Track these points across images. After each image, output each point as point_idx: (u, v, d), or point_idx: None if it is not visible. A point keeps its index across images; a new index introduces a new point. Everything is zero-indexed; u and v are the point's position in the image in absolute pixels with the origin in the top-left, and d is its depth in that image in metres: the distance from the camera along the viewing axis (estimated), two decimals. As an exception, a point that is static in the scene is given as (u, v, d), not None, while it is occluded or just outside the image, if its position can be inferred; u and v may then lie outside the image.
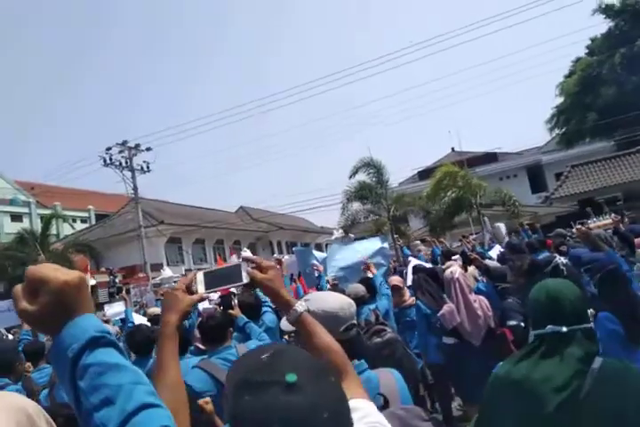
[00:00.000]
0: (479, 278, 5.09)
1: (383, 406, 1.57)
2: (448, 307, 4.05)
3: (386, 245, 8.09)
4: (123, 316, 6.62)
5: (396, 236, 13.74)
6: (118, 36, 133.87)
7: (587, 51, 27.57)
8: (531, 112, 74.23)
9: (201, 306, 5.36)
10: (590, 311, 1.97)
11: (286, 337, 3.87)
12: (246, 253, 6.61)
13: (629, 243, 5.21)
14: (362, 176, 19.75)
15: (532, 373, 1.56)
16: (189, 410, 1.14)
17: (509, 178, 29.82)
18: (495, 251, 7.52)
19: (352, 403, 0.93)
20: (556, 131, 28.75)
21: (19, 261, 19.66)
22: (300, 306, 1.30)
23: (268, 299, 3.86)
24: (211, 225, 27.58)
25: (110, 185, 67.75)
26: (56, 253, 21.71)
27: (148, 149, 22.87)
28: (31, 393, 3.15)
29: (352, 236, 18.28)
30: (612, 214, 8.53)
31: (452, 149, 35.03)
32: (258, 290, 3.75)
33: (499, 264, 5.08)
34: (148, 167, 23.02)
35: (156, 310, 5.95)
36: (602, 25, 26.27)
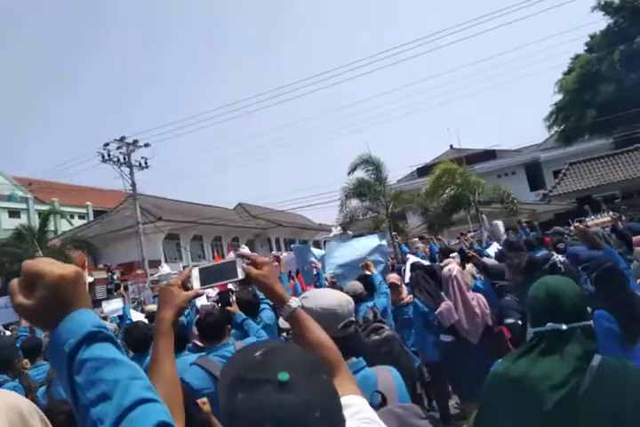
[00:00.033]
0: (477, 276, 5.08)
1: (381, 403, 1.57)
2: (446, 304, 4.06)
3: (384, 242, 8.09)
4: (120, 313, 6.63)
5: (394, 233, 13.71)
6: (117, 34, 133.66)
7: (586, 48, 27.49)
8: (529, 109, 74.40)
9: (199, 303, 5.37)
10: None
11: (284, 334, 3.88)
12: (244, 249, 6.61)
13: (627, 241, 5.22)
14: (360, 173, 19.82)
15: (530, 370, 1.56)
16: (187, 407, 1.14)
17: (508, 175, 29.83)
18: (493, 248, 7.52)
19: (344, 400, 0.93)
20: (555, 128, 28.71)
21: (16, 257, 19.55)
22: (293, 302, 1.30)
23: (266, 296, 3.86)
24: (209, 222, 27.55)
25: (108, 181, 67.75)
26: (54, 249, 21.61)
27: (147, 146, 22.83)
28: (29, 390, 3.16)
29: (350, 233, 18.25)
30: (610, 212, 8.58)
31: (451, 146, 35.02)
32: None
33: (496, 262, 5.06)
34: (146, 163, 22.95)
35: (154, 307, 5.94)
36: (601, 22, 26.29)
